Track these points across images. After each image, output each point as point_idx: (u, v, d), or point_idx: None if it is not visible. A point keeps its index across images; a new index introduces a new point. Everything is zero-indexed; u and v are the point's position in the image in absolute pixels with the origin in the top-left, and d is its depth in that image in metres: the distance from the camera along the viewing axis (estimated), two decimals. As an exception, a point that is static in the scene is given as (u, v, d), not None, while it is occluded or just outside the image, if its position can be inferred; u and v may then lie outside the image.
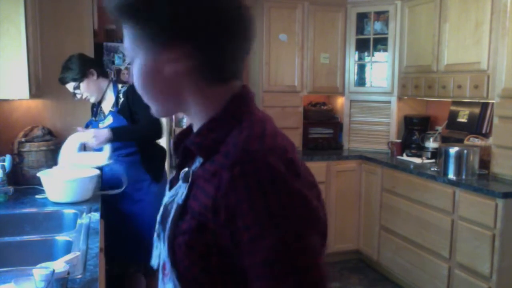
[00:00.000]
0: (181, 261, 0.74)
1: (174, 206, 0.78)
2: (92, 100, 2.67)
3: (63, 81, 2.57)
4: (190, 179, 0.77)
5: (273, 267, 0.66)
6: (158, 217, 0.84)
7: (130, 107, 2.59)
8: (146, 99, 0.82)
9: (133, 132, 2.58)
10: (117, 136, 2.50)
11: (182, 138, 0.86)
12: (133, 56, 0.79)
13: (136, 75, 0.79)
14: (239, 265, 0.70)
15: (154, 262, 0.87)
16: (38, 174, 2.41)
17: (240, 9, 0.76)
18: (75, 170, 2.48)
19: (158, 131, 2.59)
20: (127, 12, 0.75)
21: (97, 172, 2.50)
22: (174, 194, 0.81)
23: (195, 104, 0.79)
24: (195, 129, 0.82)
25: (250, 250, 0.67)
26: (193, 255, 0.72)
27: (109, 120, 2.62)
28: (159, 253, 0.84)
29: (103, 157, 2.51)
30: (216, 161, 0.73)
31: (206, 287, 0.73)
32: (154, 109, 0.83)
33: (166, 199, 0.85)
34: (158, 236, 0.84)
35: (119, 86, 2.68)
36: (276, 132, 0.77)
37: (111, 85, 2.68)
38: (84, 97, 2.62)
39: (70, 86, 2.58)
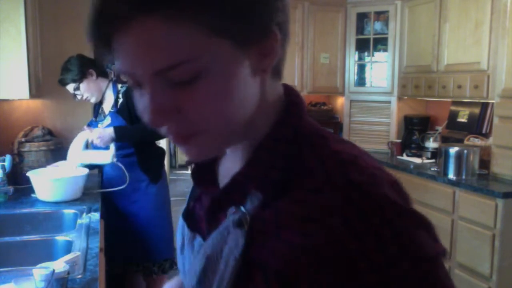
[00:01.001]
0: None
1: (228, 260, 0.54)
2: (93, 100, 2.67)
3: (63, 83, 2.57)
4: (246, 225, 0.54)
5: None
6: (196, 272, 0.59)
7: (130, 108, 2.59)
8: (219, 129, 0.53)
9: (137, 132, 2.58)
10: (121, 136, 2.52)
11: (206, 166, 0.66)
12: (193, 71, 0.49)
13: (212, 98, 0.51)
14: None
15: None
16: (28, 174, 2.41)
17: None
18: (72, 168, 2.50)
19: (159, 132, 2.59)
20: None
21: (86, 171, 2.51)
22: (220, 242, 0.56)
23: (255, 118, 0.56)
24: (234, 157, 0.61)
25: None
26: None
27: (108, 120, 2.62)
28: None
29: (108, 155, 2.52)
30: (303, 200, 0.51)
31: None
32: (206, 148, 0.55)
33: (207, 249, 0.58)
34: None
35: (119, 86, 2.68)
36: (360, 150, 0.58)
37: (110, 85, 2.68)
38: (84, 97, 2.62)
39: (70, 87, 2.58)
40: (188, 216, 0.69)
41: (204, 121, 0.52)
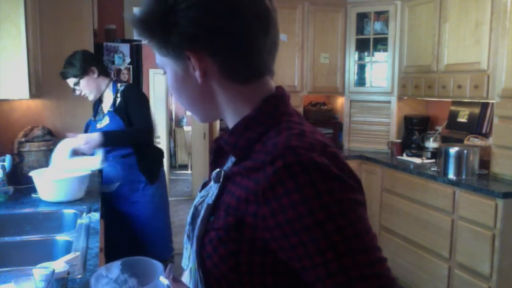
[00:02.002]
0: (210, 257, 0.74)
1: (204, 206, 0.78)
2: (91, 98, 2.67)
3: (63, 76, 2.57)
4: (221, 179, 0.77)
5: (333, 262, 0.64)
6: (188, 218, 0.84)
7: (126, 107, 2.59)
8: (185, 107, 0.84)
9: (124, 136, 2.56)
10: (108, 141, 2.50)
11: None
12: (163, 66, 0.81)
13: (170, 85, 0.82)
14: (278, 261, 0.69)
15: (184, 264, 0.87)
16: (30, 174, 2.41)
17: (257, 6, 0.75)
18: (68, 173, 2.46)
19: (150, 135, 2.59)
20: (144, 28, 0.76)
21: (89, 172, 2.49)
22: (205, 195, 0.82)
23: (228, 105, 0.80)
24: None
25: (304, 240, 0.65)
26: (224, 252, 0.72)
27: (106, 120, 2.62)
28: (189, 255, 0.84)
29: (96, 161, 2.49)
30: (255, 158, 0.72)
31: (233, 287, 0.72)
32: (195, 117, 0.86)
33: (196, 200, 0.85)
34: (188, 236, 0.84)
35: (118, 85, 2.68)
36: (315, 130, 0.77)
37: (111, 85, 2.68)
38: (82, 94, 2.62)
39: (70, 81, 2.58)
40: (203, 185, 0.90)
41: (178, 99, 0.83)
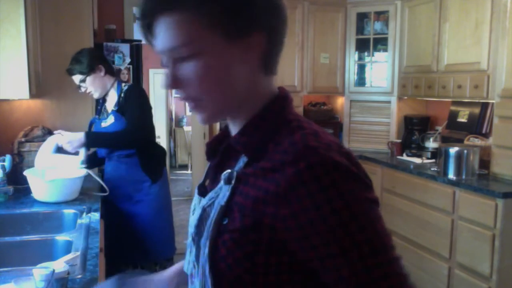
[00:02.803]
0: (224, 260, 0.71)
1: (216, 207, 0.74)
2: (96, 96, 2.66)
3: (70, 73, 2.56)
4: (233, 180, 0.73)
5: (357, 261, 0.65)
6: (194, 221, 0.80)
7: (126, 107, 2.58)
8: (209, 99, 0.74)
9: (109, 139, 2.55)
10: (91, 142, 2.50)
11: (217, 142, 0.85)
12: (192, 52, 0.71)
13: (202, 73, 0.71)
14: (294, 260, 0.69)
15: (186, 267, 0.85)
16: (25, 173, 2.41)
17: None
18: (52, 170, 2.46)
19: (139, 139, 2.54)
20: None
21: (84, 172, 2.48)
22: (214, 197, 0.77)
23: (248, 100, 0.76)
24: (234, 130, 0.79)
25: (327, 240, 0.65)
26: (239, 254, 0.70)
27: (111, 119, 2.61)
28: (193, 259, 0.80)
29: (77, 161, 2.49)
30: (273, 158, 0.70)
31: None
32: (211, 111, 0.76)
33: (204, 202, 0.79)
34: (193, 240, 0.80)
35: (123, 85, 2.68)
36: (324, 131, 0.76)
37: (115, 84, 2.68)
38: (88, 91, 2.61)
39: (76, 78, 2.57)
40: (200, 187, 0.87)
41: (200, 89, 0.73)
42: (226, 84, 0.73)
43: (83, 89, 2.60)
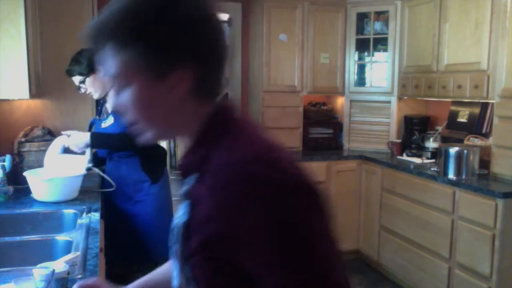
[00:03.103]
0: (200, 280, 0.74)
1: (180, 224, 0.78)
2: (95, 96, 2.66)
3: (69, 74, 2.56)
4: (189, 197, 0.77)
5: (280, 268, 0.67)
6: (174, 237, 0.83)
7: None
8: (143, 126, 0.79)
9: (113, 139, 2.55)
10: (95, 142, 2.51)
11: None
12: (123, 83, 0.75)
13: (131, 103, 0.76)
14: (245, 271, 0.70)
15: (174, 283, 0.86)
16: (25, 174, 2.41)
17: (216, 19, 0.78)
18: (60, 170, 2.48)
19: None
20: (124, 34, 0.72)
21: (83, 172, 2.49)
22: (180, 209, 0.81)
23: (193, 123, 0.79)
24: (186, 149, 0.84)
25: (261, 251, 0.67)
26: (208, 273, 0.73)
27: (111, 120, 2.61)
28: (178, 273, 0.83)
29: (83, 161, 2.50)
30: (205, 178, 0.74)
31: None
32: (150, 135, 0.80)
33: (175, 220, 0.84)
34: (176, 256, 0.83)
35: None
36: (259, 136, 0.77)
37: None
38: (88, 92, 2.61)
39: (76, 79, 2.57)
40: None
41: (132, 117, 0.77)
42: (155, 115, 0.77)
43: (83, 90, 2.60)
